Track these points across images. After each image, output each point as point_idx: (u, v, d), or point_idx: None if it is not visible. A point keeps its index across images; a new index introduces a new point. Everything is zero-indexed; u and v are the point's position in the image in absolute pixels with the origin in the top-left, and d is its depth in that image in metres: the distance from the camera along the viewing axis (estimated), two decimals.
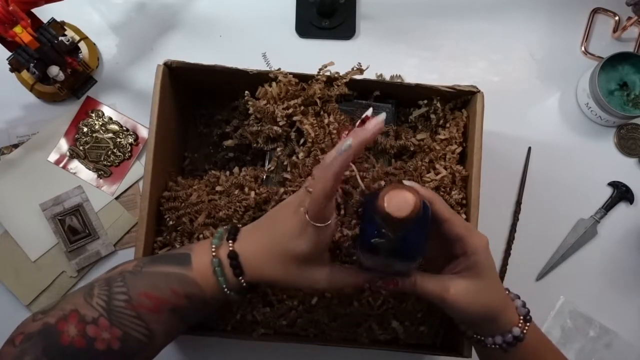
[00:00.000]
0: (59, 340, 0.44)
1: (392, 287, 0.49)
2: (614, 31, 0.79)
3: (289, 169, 0.61)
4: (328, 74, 0.61)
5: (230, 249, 0.48)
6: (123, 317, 0.45)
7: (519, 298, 0.52)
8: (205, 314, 0.49)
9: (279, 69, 0.61)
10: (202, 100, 0.70)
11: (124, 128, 0.74)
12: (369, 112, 0.43)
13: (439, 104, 0.64)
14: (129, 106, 0.75)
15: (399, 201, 0.37)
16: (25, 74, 0.71)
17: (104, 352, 0.44)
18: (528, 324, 0.50)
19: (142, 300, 0.46)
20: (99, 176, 0.73)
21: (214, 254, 0.48)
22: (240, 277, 0.47)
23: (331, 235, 0.47)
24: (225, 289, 0.47)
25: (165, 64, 0.59)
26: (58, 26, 0.69)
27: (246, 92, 0.60)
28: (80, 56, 0.73)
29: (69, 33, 0.71)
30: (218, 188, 0.61)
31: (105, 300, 0.46)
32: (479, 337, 0.51)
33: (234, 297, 0.49)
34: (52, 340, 0.44)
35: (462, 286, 0.48)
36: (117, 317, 0.45)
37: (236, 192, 0.60)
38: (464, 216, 0.60)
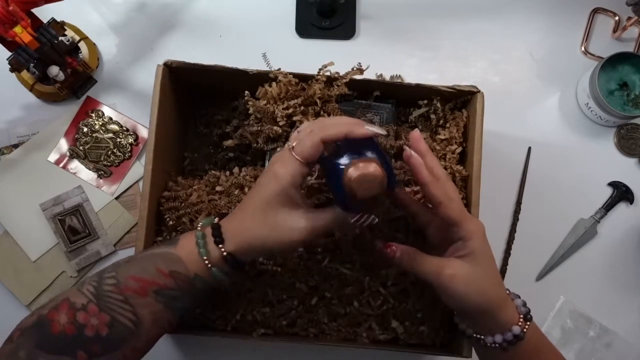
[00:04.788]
0: (50, 330, 0.44)
1: (390, 254, 0.50)
2: (614, 31, 0.79)
3: None
4: (328, 74, 0.61)
5: (215, 222, 0.49)
6: (111, 302, 0.46)
7: (519, 297, 0.52)
8: (192, 301, 0.49)
9: (279, 69, 0.61)
10: (202, 100, 0.70)
11: (124, 128, 0.74)
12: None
13: (439, 104, 0.64)
14: (129, 106, 0.75)
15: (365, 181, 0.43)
16: (25, 74, 0.71)
17: (93, 339, 0.45)
18: (528, 322, 0.50)
19: (129, 283, 0.46)
20: (99, 176, 0.73)
21: (199, 228, 0.49)
22: (221, 246, 0.47)
23: (305, 174, 0.47)
24: (206, 261, 0.47)
25: (165, 64, 0.59)
26: (58, 26, 0.69)
27: (246, 92, 0.60)
28: (80, 56, 0.73)
29: (69, 33, 0.71)
30: (218, 188, 0.61)
31: (95, 286, 0.46)
32: (478, 336, 0.51)
33: (217, 275, 0.48)
34: (45, 331, 0.44)
35: (459, 268, 0.48)
36: (106, 301, 0.46)
37: (236, 192, 0.60)
38: None
